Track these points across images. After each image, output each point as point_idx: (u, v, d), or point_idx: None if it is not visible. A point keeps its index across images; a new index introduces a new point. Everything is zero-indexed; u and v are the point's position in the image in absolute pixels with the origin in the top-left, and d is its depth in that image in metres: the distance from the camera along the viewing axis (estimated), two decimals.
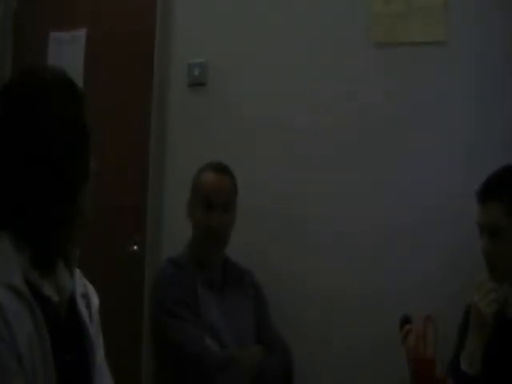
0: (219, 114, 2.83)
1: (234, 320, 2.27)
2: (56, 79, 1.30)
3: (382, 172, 2.60)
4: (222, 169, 2.37)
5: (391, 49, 2.63)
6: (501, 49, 2.50)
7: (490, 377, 1.77)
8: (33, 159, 1.21)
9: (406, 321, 1.98)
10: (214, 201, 2.29)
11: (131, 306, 2.87)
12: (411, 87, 2.59)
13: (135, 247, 2.92)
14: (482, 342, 1.77)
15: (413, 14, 2.60)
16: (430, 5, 2.58)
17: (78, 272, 1.34)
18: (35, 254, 1.21)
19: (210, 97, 2.86)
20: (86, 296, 1.36)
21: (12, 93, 1.27)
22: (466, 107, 2.53)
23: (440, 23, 2.57)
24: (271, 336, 2.35)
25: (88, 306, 1.36)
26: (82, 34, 3.08)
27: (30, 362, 1.13)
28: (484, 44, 2.52)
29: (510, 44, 2.49)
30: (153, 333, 2.30)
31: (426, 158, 2.56)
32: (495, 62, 2.50)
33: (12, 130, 1.23)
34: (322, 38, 2.71)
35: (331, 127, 2.67)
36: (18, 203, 1.21)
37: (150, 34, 2.93)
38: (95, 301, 1.39)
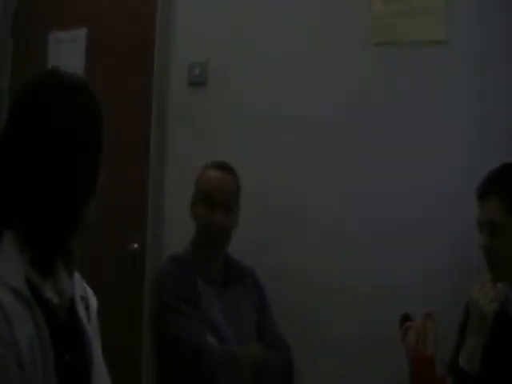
0: (219, 114, 2.84)
1: (236, 317, 2.28)
2: (76, 87, 1.29)
3: (382, 171, 2.60)
4: (225, 167, 2.37)
5: (391, 48, 2.63)
6: (501, 49, 2.50)
7: (489, 375, 1.77)
8: (39, 162, 1.21)
9: (406, 319, 1.99)
10: (217, 198, 2.29)
11: (131, 305, 2.87)
12: (411, 87, 2.60)
13: (135, 246, 2.92)
14: (481, 340, 1.77)
15: (413, 13, 2.60)
16: (430, 4, 2.58)
17: (77, 275, 1.35)
18: (36, 255, 1.21)
19: (210, 96, 2.86)
20: (84, 298, 1.36)
21: (29, 92, 1.27)
22: (466, 107, 2.54)
23: (440, 23, 2.57)
24: (273, 335, 2.35)
25: (87, 308, 1.36)
26: (82, 33, 3.08)
27: (31, 364, 1.13)
28: (484, 44, 2.52)
29: (510, 44, 2.49)
30: (153, 329, 2.30)
31: (426, 158, 2.56)
32: (495, 61, 2.50)
33: (21, 129, 1.23)
34: (322, 37, 2.72)
35: (331, 127, 2.67)
36: (22, 204, 1.21)
37: (150, 33, 2.93)
38: (94, 303, 1.39)
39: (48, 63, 3.08)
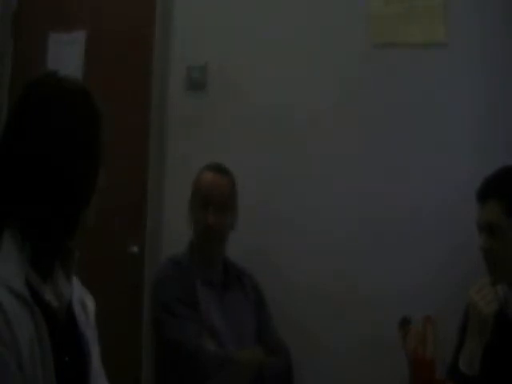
0: (218, 116, 2.83)
1: (235, 319, 2.28)
2: (76, 89, 1.29)
3: (382, 172, 2.60)
4: (219, 169, 2.38)
5: (391, 50, 2.63)
6: (501, 49, 2.50)
7: (489, 378, 1.76)
8: (39, 162, 1.21)
9: (405, 322, 1.99)
10: (210, 199, 2.30)
11: (131, 307, 2.87)
12: (411, 88, 2.60)
13: (135, 248, 2.92)
14: (481, 342, 1.77)
15: (413, 14, 2.60)
16: (429, 6, 2.58)
17: (75, 278, 1.35)
18: (35, 255, 1.21)
19: (209, 99, 2.86)
20: (82, 301, 1.37)
21: (29, 93, 1.27)
22: (467, 108, 2.54)
23: (440, 24, 2.57)
24: (272, 338, 2.36)
25: (84, 311, 1.36)
26: (81, 35, 3.08)
27: (31, 366, 1.13)
28: (484, 44, 2.52)
29: (510, 44, 2.49)
30: (152, 331, 2.31)
31: (425, 159, 2.56)
32: (495, 62, 2.51)
33: (21, 130, 1.23)
34: (322, 38, 2.71)
35: (331, 127, 2.67)
36: (22, 204, 1.21)
37: (149, 36, 2.93)
38: (91, 306, 1.40)
39: (48, 64, 3.07)
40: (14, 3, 3.23)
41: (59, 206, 1.22)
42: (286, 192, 2.71)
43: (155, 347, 2.29)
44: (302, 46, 2.74)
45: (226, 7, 2.86)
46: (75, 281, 1.35)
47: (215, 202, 2.30)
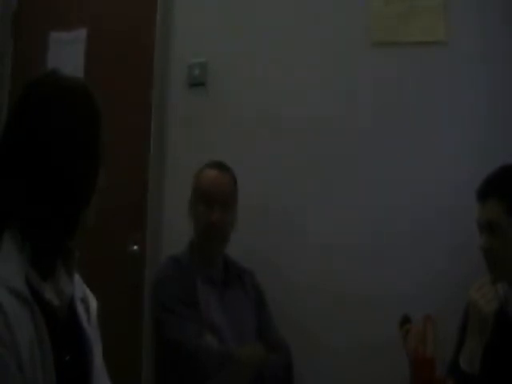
0: (219, 114, 2.84)
1: (235, 317, 2.28)
2: (76, 88, 1.29)
3: (382, 172, 2.60)
4: (221, 166, 2.38)
5: (391, 49, 2.63)
6: (501, 48, 2.50)
7: (489, 376, 1.76)
8: (39, 162, 1.21)
9: (405, 320, 1.98)
10: (213, 197, 2.29)
11: (131, 306, 2.87)
12: (411, 87, 2.60)
13: (135, 247, 2.92)
14: (481, 341, 1.77)
15: (413, 14, 2.60)
16: (430, 5, 2.58)
17: (76, 277, 1.35)
18: (35, 255, 1.21)
19: (209, 97, 2.86)
20: (84, 300, 1.37)
21: (29, 93, 1.27)
22: (467, 108, 2.54)
23: (440, 23, 2.57)
24: (273, 336, 2.36)
25: (87, 310, 1.36)
26: (82, 34, 3.09)
27: (31, 367, 1.13)
28: (484, 44, 2.52)
29: (510, 44, 2.49)
30: (153, 331, 2.30)
31: (426, 158, 2.56)
32: (495, 62, 2.50)
33: (21, 130, 1.23)
34: (323, 38, 2.71)
35: (331, 127, 2.67)
36: (22, 204, 1.21)
37: (149, 34, 2.93)
38: (93, 305, 1.40)
39: (48, 64, 3.08)
40: (13, 3, 3.24)
41: (59, 206, 1.22)
42: (286, 192, 2.70)
43: (155, 347, 2.29)
44: (302, 45, 2.74)
45: (226, 7, 2.86)
46: (78, 279, 1.36)
47: (218, 200, 2.30)
